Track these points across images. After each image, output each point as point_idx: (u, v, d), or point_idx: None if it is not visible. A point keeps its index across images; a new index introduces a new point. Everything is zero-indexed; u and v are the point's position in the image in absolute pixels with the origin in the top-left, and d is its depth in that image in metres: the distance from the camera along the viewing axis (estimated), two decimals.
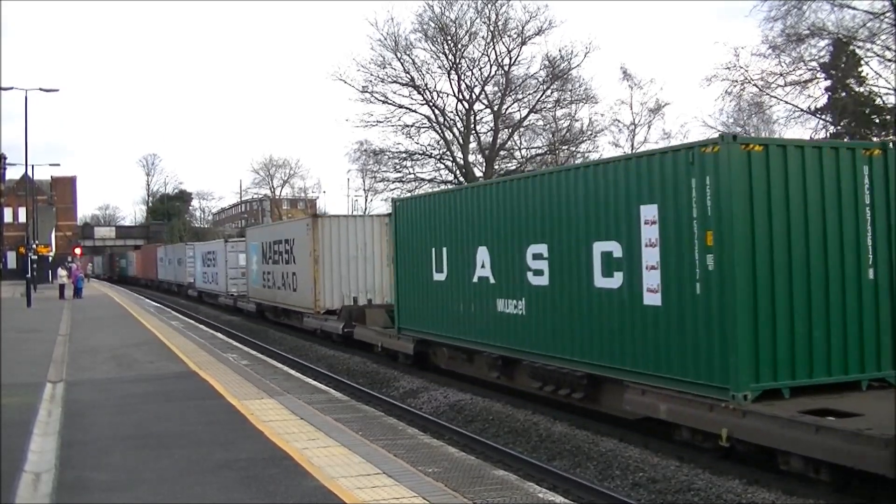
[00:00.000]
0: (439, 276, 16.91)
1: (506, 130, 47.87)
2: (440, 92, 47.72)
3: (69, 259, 66.72)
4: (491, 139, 47.65)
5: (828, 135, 34.73)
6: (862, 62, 33.76)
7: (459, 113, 47.81)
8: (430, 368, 18.60)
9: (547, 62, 46.18)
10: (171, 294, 59.82)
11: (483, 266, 15.22)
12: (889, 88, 32.07)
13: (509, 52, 46.52)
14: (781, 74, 33.44)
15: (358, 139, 72.22)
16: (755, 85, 34.50)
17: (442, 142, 48.07)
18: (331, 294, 25.20)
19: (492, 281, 14.92)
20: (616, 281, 11.61)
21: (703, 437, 10.35)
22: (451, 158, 48.10)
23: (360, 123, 51.27)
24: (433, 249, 17.14)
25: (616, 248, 11.61)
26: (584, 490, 10.00)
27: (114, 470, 8.28)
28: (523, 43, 46.23)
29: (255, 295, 34.09)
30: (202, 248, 48.49)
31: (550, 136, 47.62)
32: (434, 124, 47.70)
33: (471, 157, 48.13)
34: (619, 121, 48.10)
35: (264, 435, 9.76)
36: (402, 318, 18.89)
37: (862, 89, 34.34)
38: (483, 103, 47.86)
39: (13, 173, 61.49)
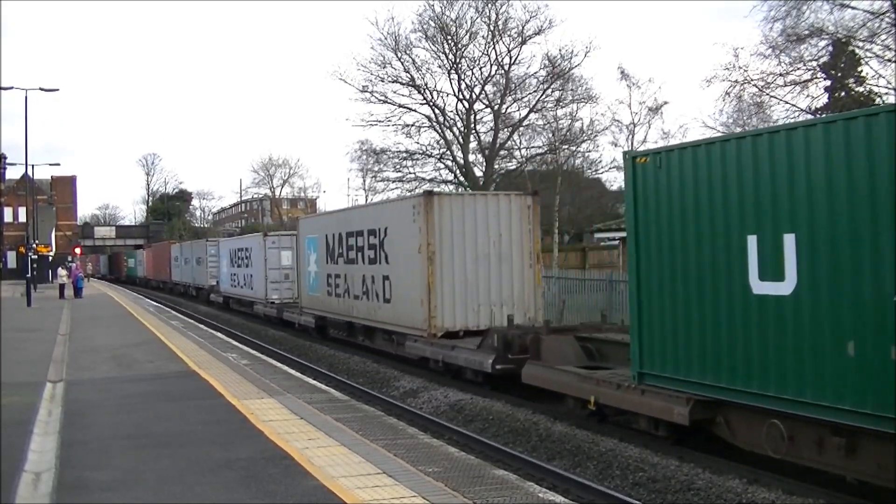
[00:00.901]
0: (771, 287, 9.50)
1: (506, 130, 47.85)
2: (440, 91, 47.75)
3: (69, 259, 66.69)
4: (491, 139, 47.65)
5: None
6: (862, 62, 33.75)
7: (459, 112, 47.82)
8: (719, 450, 11.03)
9: (547, 62, 46.21)
10: (188, 298, 51.26)
11: None
12: (889, 88, 32.05)
13: (509, 51, 46.53)
14: (781, 74, 33.43)
15: (359, 139, 72.35)
16: (755, 85, 34.49)
17: (442, 141, 48.10)
18: (452, 307, 17.59)
19: None
20: None
21: None
22: (451, 158, 48.13)
23: (360, 123, 51.38)
24: (751, 238, 9.76)
25: None
26: (584, 490, 10.01)
27: (114, 470, 8.28)
28: (523, 42, 46.23)
29: (314, 305, 25.79)
30: (230, 245, 40.53)
31: (551, 135, 47.61)
32: (434, 124, 47.71)
33: (471, 157, 48.16)
34: (618, 120, 48.11)
35: (264, 434, 9.76)
36: (652, 359, 11.30)
37: (862, 89, 34.31)
38: (483, 103, 47.87)
39: (13, 173, 61.42)
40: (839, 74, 34.14)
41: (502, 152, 48.39)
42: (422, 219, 17.77)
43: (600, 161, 48.42)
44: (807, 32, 31.70)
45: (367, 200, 66.92)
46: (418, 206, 18.04)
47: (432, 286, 17.54)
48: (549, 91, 46.51)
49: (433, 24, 46.25)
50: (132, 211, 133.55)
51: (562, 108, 46.73)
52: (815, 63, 33.35)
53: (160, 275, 63.40)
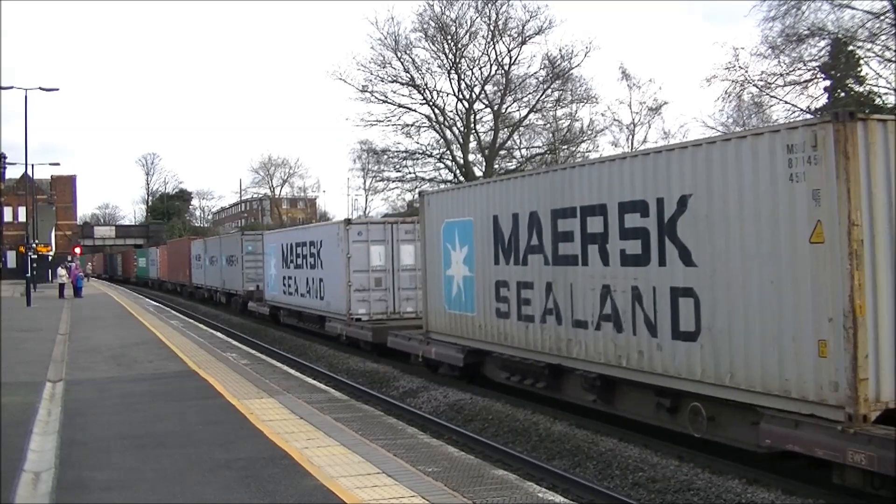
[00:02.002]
0: None
1: (506, 130, 47.92)
2: (440, 91, 47.88)
3: (69, 258, 66.67)
4: (491, 138, 47.71)
5: None
6: (861, 62, 33.78)
7: (459, 112, 47.93)
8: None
9: (547, 62, 46.31)
10: (213, 306, 42.55)
11: None
12: (889, 88, 32.08)
13: (509, 51, 46.67)
14: (781, 75, 33.49)
15: (359, 139, 72.51)
16: (755, 85, 34.56)
17: (442, 141, 48.17)
18: (892, 357, 8.62)
19: None
20: None
21: None
22: (450, 158, 48.19)
23: (359, 123, 51.60)
24: None
25: None
26: (583, 490, 10.01)
27: (113, 469, 8.28)
28: (523, 42, 46.37)
29: (462, 331, 16.19)
30: (284, 238, 30.48)
31: (550, 135, 47.69)
32: (434, 124, 47.82)
33: (471, 157, 48.25)
34: (618, 121, 48.24)
35: (264, 434, 9.75)
36: None
37: (862, 89, 34.34)
38: (483, 103, 48.00)
39: (13, 172, 61.51)
40: (839, 75, 34.15)
41: (502, 152, 48.49)
42: (823, 170, 8.72)
43: None
44: (807, 32, 31.76)
45: (366, 200, 66.69)
46: (813, 142, 8.84)
47: (860, 311, 8.48)
48: (548, 91, 46.65)
49: (433, 24, 46.39)
50: (132, 211, 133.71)
51: (561, 108, 46.93)
52: (814, 63, 33.40)
53: (177, 276, 55.45)
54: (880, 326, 8.57)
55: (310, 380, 16.16)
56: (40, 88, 40.72)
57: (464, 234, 16.17)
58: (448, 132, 47.96)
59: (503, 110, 47.58)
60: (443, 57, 46.90)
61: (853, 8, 30.77)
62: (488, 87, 47.57)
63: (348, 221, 23.79)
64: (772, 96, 35.12)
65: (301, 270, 27.41)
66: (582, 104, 47.44)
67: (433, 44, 46.75)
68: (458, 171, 47.83)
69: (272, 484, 7.59)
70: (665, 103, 49.38)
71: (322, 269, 25.10)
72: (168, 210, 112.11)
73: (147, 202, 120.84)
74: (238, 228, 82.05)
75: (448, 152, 48.12)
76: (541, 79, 46.78)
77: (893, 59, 30.91)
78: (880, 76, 32.75)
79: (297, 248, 27.96)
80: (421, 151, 48.48)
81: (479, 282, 15.52)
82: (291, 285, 28.58)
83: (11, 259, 67.84)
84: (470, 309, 15.91)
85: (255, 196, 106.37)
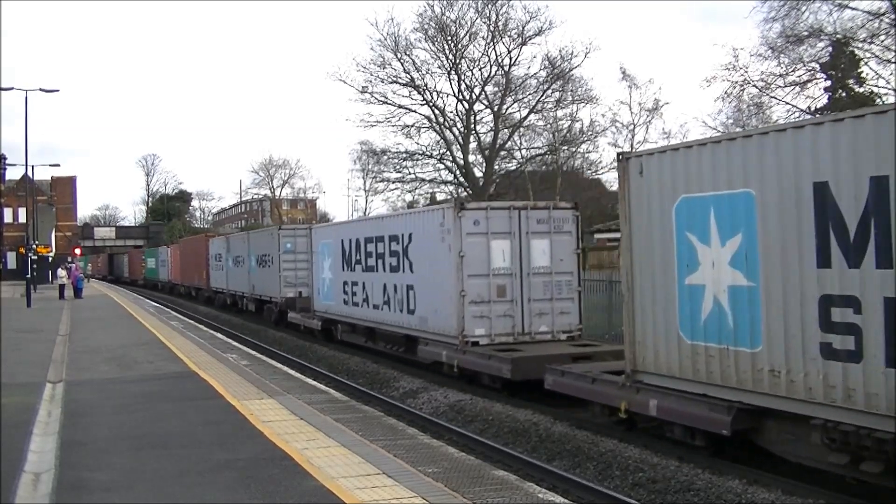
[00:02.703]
0: None
1: (506, 130, 47.91)
2: (440, 92, 47.87)
3: (69, 259, 66.64)
4: (491, 139, 47.71)
5: None
6: (861, 62, 33.80)
7: (459, 113, 47.92)
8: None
9: (547, 62, 46.31)
10: (235, 313, 37.03)
11: None
12: (889, 88, 32.08)
13: (509, 52, 46.66)
14: (781, 75, 33.52)
15: (360, 140, 72.57)
16: (754, 86, 34.59)
17: (442, 142, 48.18)
18: None
19: None
20: None
21: None
22: (451, 158, 48.19)
23: (360, 123, 51.53)
24: None
25: None
26: (584, 490, 10.01)
27: (113, 470, 8.28)
28: (523, 43, 46.36)
29: (715, 375, 10.38)
30: (348, 232, 23.55)
31: (551, 136, 47.68)
32: (434, 124, 47.80)
33: (471, 157, 48.25)
34: (618, 121, 48.24)
35: (264, 435, 9.75)
36: None
37: (861, 89, 34.35)
38: (483, 103, 47.98)
39: (13, 173, 61.46)
40: (839, 75, 34.17)
41: (502, 153, 48.47)
42: None
43: (600, 162, 48.61)
44: (806, 33, 31.77)
45: (366, 200, 66.79)
46: None
47: None
48: (549, 92, 46.63)
49: (433, 25, 46.40)
50: (132, 212, 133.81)
51: (562, 108, 46.89)
52: (814, 64, 33.44)
53: (191, 279, 49.43)
54: None
55: (310, 381, 16.16)
56: (40, 89, 40.66)
57: (730, 216, 10.24)
58: (448, 133, 48.00)
59: (503, 111, 47.59)
60: (443, 58, 46.95)
61: (853, 9, 30.82)
62: (488, 88, 47.63)
63: (461, 206, 16.96)
64: (772, 97, 35.15)
65: (373, 274, 21.06)
66: (582, 105, 47.50)
67: (433, 44, 46.81)
68: (458, 172, 47.87)
69: (272, 485, 7.60)
70: (666, 103, 49.55)
71: (412, 273, 18.85)
72: (168, 211, 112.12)
73: (147, 203, 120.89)
74: (238, 229, 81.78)
75: (448, 153, 48.16)
76: (541, 79, 46.82)
77: (893, 59, 30.93)
78: (880, 76, 32.80)
79: (366, 245, 21.52)
80: (421, 152, 48.54)
81: (770, 296, 9.65)
82: (358, 293, 22.23)
83: (11, 260, 67.81)
84: (745, 341, 10.03)
85: (256, 197, 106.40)
